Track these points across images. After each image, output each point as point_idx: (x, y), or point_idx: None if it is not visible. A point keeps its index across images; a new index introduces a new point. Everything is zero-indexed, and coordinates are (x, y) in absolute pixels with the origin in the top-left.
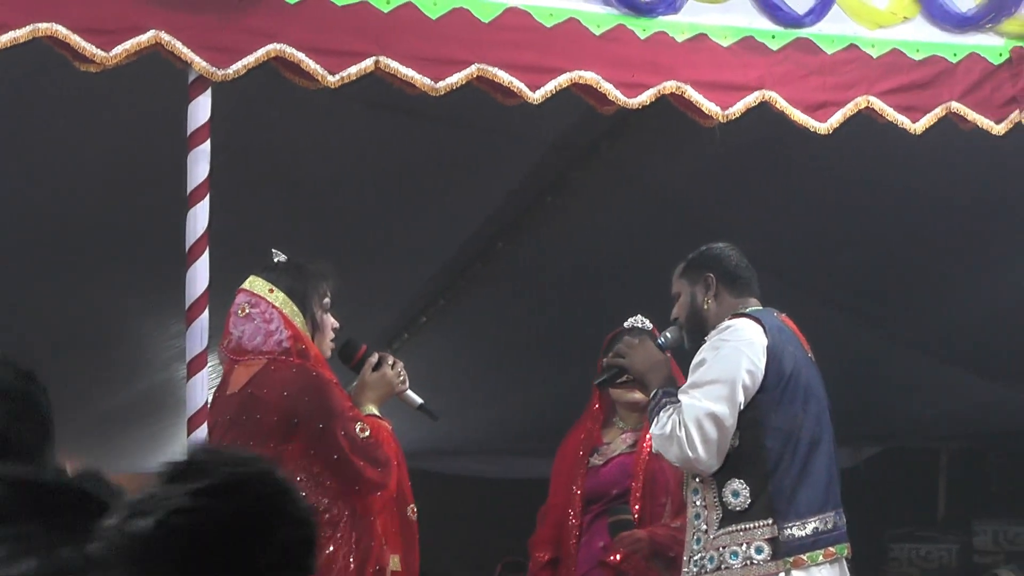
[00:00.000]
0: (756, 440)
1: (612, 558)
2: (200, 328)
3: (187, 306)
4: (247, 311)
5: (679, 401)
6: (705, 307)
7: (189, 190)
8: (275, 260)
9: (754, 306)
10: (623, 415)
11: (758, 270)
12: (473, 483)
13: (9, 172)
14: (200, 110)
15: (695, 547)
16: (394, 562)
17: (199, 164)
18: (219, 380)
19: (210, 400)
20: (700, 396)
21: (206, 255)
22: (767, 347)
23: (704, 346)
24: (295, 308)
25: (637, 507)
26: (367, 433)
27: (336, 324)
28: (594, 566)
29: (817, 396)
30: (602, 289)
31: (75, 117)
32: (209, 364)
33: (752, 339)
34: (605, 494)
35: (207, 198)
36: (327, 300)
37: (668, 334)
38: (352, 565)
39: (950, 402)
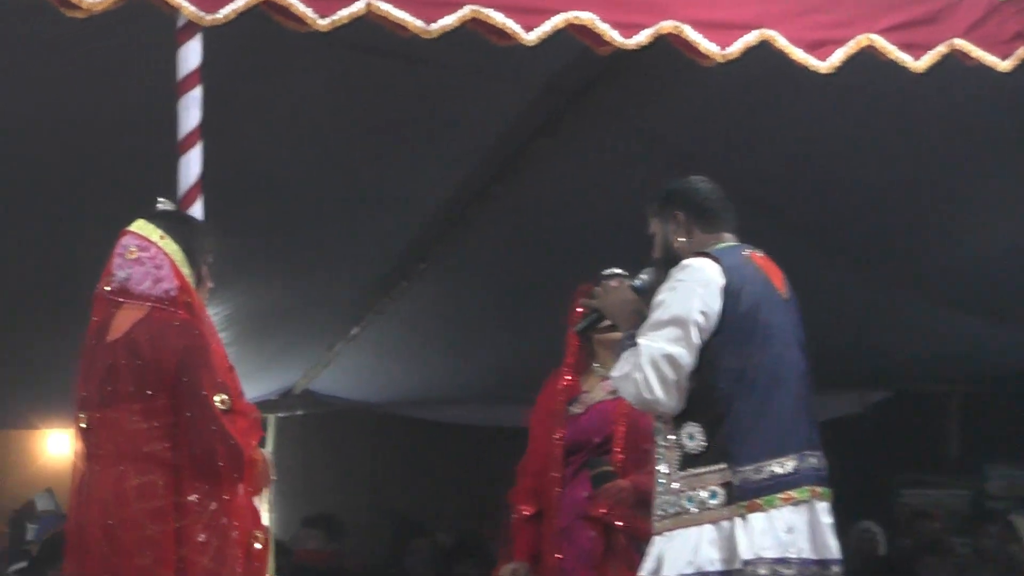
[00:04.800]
0: (709, 382)
1: (597, 512)
2: None
3: None
4: (136, 254)
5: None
6: (677, 245)
7: (180, 137)
8: (162, 207)
9: (727, 242)
10: (604, 360)
11: (755, 214)
12: (473, 432)
13: None
14: (190, 55)
15: (659, 490)
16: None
17: (190, 111)
18: (93, 325)
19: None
20: (656, 337)
21: (200, 203)
22: (723, 287)
23: (662, 286)
24: (184, 258)
25: (620, 455)
26: (226, 406)
27: (211, 284)
28: (577, 518)
29: (781, 336)
30: (598, 232)
31: (61, 64)
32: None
33: (707, 279)
34: (587, 443)
35: (199, 145)
36: (210, 257)
37: (644, 276)
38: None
39: (961, 345)
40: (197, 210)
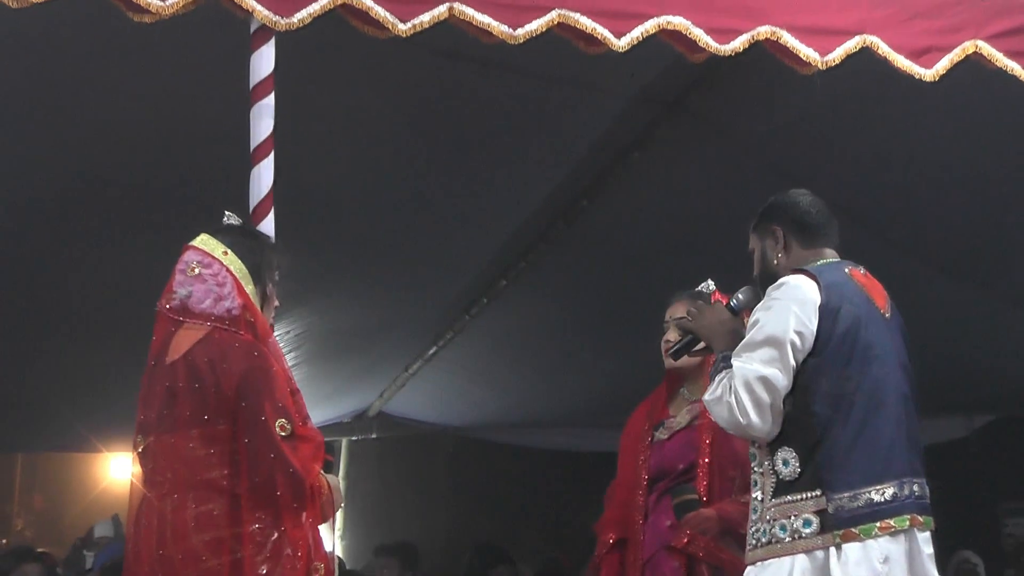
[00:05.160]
0: (804, 406)
1: (679, 542)
2: None
3: None
4: (198, 271)
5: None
6: (775, 262)
7: (253, 147)
8: (228, 222)
9: (829, 258)
10: (689, 385)
11: (859, 229)
12: (556, 457)
13: (61, 126)
14: (263, 61)
15: (753, 517)
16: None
17: (263, 119)
18: (153, 344)
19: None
20: (750, 359)
21: (271, 216)
22: (820, 305)
23: (758, 305)
24: (248, 275)
25: (705, 483)
26: (286, 432)
27: (278, 303)
28: (660, 548)
29: (882, 357)
30: (690, 248)
31: (129, 70)
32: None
33: (804, 297)
34: (671, 470)
35: (271, 155)
36: (277, 274)
37: (740, 295)
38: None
39: None
40: (268, 224)
